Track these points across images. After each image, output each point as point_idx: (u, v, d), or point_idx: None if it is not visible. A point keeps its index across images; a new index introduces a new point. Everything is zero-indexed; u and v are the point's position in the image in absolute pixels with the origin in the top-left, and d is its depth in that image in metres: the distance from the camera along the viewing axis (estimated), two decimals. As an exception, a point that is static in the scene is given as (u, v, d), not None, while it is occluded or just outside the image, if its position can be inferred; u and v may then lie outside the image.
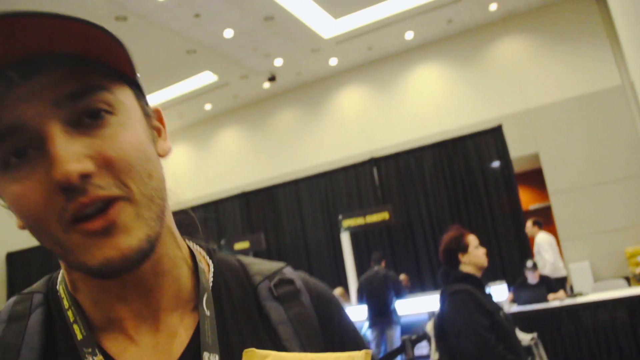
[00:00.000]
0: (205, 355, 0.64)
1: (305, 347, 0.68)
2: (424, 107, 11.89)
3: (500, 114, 10.15)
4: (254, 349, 0.59)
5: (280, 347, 0.67)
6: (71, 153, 0.54)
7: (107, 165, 0.57)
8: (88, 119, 0.57)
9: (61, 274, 0.71)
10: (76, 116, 0.57)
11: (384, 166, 8.54)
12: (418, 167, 8.17)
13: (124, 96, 0.62)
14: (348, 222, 7.09)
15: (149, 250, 0.59)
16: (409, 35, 11.63)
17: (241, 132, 14.16)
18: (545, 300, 6.41)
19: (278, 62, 12.52)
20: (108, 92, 0.59)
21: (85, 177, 0.54)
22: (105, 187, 0.56)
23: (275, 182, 10.17)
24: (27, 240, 12.95)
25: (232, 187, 12.39)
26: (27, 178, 0.56)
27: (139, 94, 0.67)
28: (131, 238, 0.57)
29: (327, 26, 11.07)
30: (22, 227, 0.63)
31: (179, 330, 0.67)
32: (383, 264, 7.46)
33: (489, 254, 3.45)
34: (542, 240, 8.04)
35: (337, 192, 9.08)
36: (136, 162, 0.59)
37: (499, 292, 6.66)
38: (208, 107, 13.41)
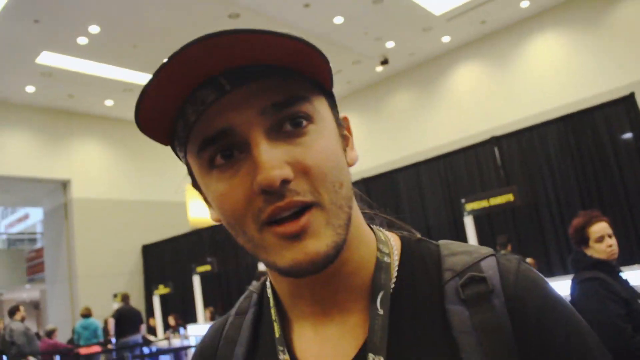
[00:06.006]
0: (370, 356, 0.63)
1: None
2: (545, 79, 11.30)
3: (631, 81, 9.44)
4: None
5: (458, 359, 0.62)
6: (274, 159, 0.59)
7: (304, 172, 0.60)
8: (290, 127, 0.61)
9: None
10: (278, 123, 0.61)
11: (506, 145, 8.27)
12: (542, 144, 7.81)
13: (320, 106, 0.66)
14: (471, 206, 6.93)
15: (334, 256, 0.61)
16: (525, 3, 11.13)
17: (357, 117, 14.26)
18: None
19: (390, 44, 12.47)
20: (309, 103, 0.63)
21: (285, 182, 0.58)
22: (300, 193, 0.59)
23: (395, 166, 10.18)
24: (159, 234, 13.87)
25: (352, 174, 12.61)
26: (231, 178, 0.61)
27: (332, 103, 0.71)
28: (320, 244, 0.60)
29: (437, 2, 10.87)
30: (217, 220, 0.70)
31: (362, 328, 0.67)
32: (509, 247, 7.21)
33: (624, 236, 3.26)
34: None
35: (458, 174, 8.92)
36: (330, 171, 0.62)
37: (636, 277, 6.21)
38: (322, 96, 13.86)
